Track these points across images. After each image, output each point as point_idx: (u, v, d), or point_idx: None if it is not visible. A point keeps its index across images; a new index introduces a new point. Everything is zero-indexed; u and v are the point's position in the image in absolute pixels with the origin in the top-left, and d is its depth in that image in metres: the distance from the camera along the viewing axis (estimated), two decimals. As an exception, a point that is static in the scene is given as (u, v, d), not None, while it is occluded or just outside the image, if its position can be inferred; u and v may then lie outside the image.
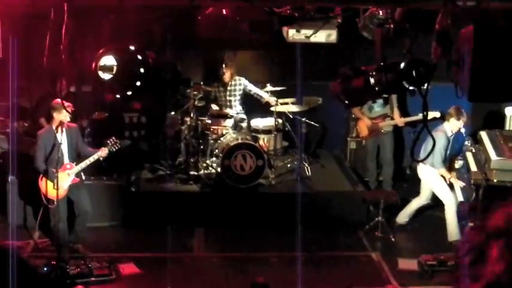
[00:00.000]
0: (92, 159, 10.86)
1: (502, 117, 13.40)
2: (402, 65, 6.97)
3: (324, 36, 9.56)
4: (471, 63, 6.53)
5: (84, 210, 11.07)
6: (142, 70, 7.19)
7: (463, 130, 12.06)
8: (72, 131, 10.82)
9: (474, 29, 6.54)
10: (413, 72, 6.87)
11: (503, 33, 6.66)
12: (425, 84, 6.94)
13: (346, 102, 7.57)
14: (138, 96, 7.29)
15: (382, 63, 7.14)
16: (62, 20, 6.83)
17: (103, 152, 10.86)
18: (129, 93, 7.22)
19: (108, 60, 7.24)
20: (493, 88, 6.70)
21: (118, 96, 7.30)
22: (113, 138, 11.00)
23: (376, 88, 7.18)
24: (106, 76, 7.23)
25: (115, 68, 7.18)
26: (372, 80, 7.18)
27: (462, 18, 7.02)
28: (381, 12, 8.59)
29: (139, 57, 7.23)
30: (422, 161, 10.67)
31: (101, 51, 7.32)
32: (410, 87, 7.01)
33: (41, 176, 10.70)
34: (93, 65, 7.27)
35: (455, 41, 6.92)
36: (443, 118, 11.88)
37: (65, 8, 6.65)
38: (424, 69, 6.88)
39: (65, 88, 8.34)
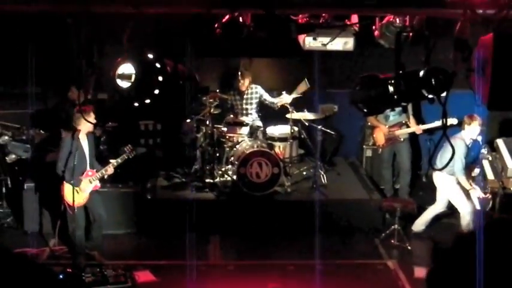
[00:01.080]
0: (112, 165, 10.94)
1: (519, 125, 13.36)
2: (421, 73, 6.92)
3: (341, 44, 9.55)
4: (491, 71, 6.49)
5: (99, 215, 11.10)
6: (160, 78, 7.18)
7: (479, 138, 12.00)
8: (90, 138, 10.91)
9: (494, 37, 6.50)
10: (433, 80, 6.82)
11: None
12: (445, 92, 6.88)
13: (365, 110, 7.52)
14: (156, 104, 7.26)
15: (400, 71, 7.09)
16: (80, 28, 6.86)
17: (110, 169, 10.92)
18: (148, 101, 7.21)
19: (127, 68, 7.24)
20: (512, 97, 6.65)
21: (136, 104, 7.29)
22: (129, 146, 11.02)
23: (395, 96, 7.14)
24: (124, 84, 7.23)
25: (133, 76, 7.18)
26: (391, 88, 7.13)
27: (482, 25, 7.00)
28: (397, 20, 8.58)
29: (158, 65, 7.23)
30: (442, 169, 10.60)
31: (119, 59, 7.32)
32: (430, 96, 6.95)
33: (64, 183, 10.70)
34: (112, 73, 7.27)
35: (474, 48, 6.89)
36: (460, 125, 11.82)
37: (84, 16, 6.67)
38: (443, 77, 6.83)
39: (83, 96, 8.38)
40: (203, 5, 6.89)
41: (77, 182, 10.61)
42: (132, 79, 7.16)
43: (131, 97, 7.27)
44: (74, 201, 10.61)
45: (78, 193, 10.60)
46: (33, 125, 13.03)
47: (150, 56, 7.38)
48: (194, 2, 6.94)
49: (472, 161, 12.37)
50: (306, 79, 13.46)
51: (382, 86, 7.20)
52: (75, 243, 10.89)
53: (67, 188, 10.69)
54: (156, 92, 7.14)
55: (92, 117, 10.31)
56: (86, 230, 11.07)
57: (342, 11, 7.71)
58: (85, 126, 10.51)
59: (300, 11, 7.77)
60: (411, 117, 13.35)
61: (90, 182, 10.79)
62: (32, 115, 13.25)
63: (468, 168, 11.96)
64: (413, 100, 10.63)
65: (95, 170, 10.84)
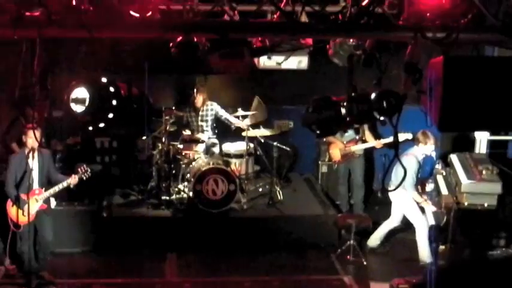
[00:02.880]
0: (61, 186, 10.78)
1: (472, 141, 13.51)
2: (373, 95, 7.02)
3: (295, 62, 9.61)
4: (441, 93, 6.59)
5: (45, 239, 10.97)
6: (114, 102, 7.19)
7: (433, 153, 12.12)
8: (44, 156, 10.77)
9: (444, 60, 6.61)
10: (384, 102, 6.92)
11: (472, 64, 6.74)
12: (396, 115, 6.99)
13: (318, 132, 7.60)
14: (110, 127, 7.28)
15: (352, 94, 7.19)
16: (34, 51, 6.84)
17: (73, 180, 10.80)
18: (102, 125, 7.22)
19: (80, 92, 7.24)
20: (463, 118, 6.76)
21: (90, 128, 7.29)
22: (84, 166, 10.94)
23: (348, 118, 7.23)
24: (78, 108, 7.23)
25: (87, 100, 7.18)
26: (343, 111, 7.23)
27: (432, 48, 7.12)
28: (351, 39, 8.67)
29: (112, 89, 7.24)
30: (393, 190, 10.72)
31: (73, 83, 7.32)
32: (381, 118, 7.06)
33: (9, 200, 10.63)
34: (66, 97, 7.27)
35: (425, 69, 7.00)
36: (414, 140, 11.94)
37: (37, 39, 6.66)
38: (394, 99, 6.94)
39: (35, 115, 8.33)
40: (158, 29, 6.92)
41: (21, 200, 10.51)
42: (86, 103, 7.17)
43: (85, 121, 7.28)
44: (14, 218, 10.58)
45: (23, 211, 10.50)
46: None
47: (104, 79, 7.39)
48: (148, 27, 6.97)
49: (426, 176, 12.53)
50: (257, 96, 13.55)
51: (335, 108, 7.30)
52: (24, 260, 10.80)
53: (11, 206, 10.63)
54: (110, 116, 7.15)
55: (34, 136, 10.22)
56: (35, 249, 10.98)
57: (293, 36, 7.77)
58: (31, 143, 10.42)
59: (253, 35, 7.83)
60: (367, 131, 13.43)
61: (36, 201, 10.68)
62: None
63: (422, 184, 12.09)
64: (365, 122, 10.77)
65: (43, 189, 10.75)
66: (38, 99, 7.15)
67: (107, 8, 6.91)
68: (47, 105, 8.28)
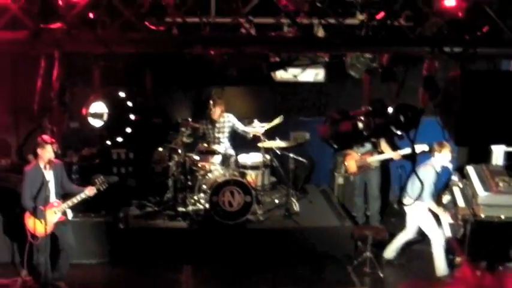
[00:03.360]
0: (79, 197, 10.81)
1: (488, 152, 13.45)
2: (390, 109, 7.02)
3: (312, 75, 9.66)
4: (458, 107, 6.58)
5: (68, 245, 11.00)
6: (132, 117, 7.22)
7: (449, 165, 12.08)
8: (57, 167, 10.78)
9: (461, 74, 6.61)
10: (401, 117, 6.93)
11: (489, 78, 6.73)
12: (413, 129, 6.99)
13: (335, 146, 7.62)
14: (128, 141, 7.31)
15: (370, 108, 7.20)
16: (53, 65, 6.90)
17: (91, 191, 10.84)
18: (120, 139, 7.25)
19: (99, 107, 7.27)
20: (480, 132, 6.75)
21: (108, 142, 7.33)
22: (101, 177, 10.97)
23: (364, 133, 7.24)
24: (97, 123, 7.26)
25: (105, 115, 7.21)
26: (360, 125, 7.23)
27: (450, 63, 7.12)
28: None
29: (130, 104, 7.27)
30: (411, 204, 10.69)
31: (92, 97, 7.35)
32: (398, 132, 7.06)
33: (27, 212, 10.66)
34: (84, 112, 7.30)
35: (442, 85, 6.99)
36: (431, 151, 11.89)
37: (56, 54, 6.71)
38: (411, 113, 6.94)
39: (51, 126, 8.38)
40: (175, 44, 6.95)
41: (39, 212, 10.52)
42: (104, 118, 7.20)
43: (103, 135, 7.31)
44: (33, 230, 10.56)
45: (41, 223, 10.52)
46: (4, 154, 12.99)
47: (122, 94, 7.42)
48: (166, 42, 7.00)
49: (442, 188, 12.48)
50: (281, 116, 13.58)
51: (352, 122, 7.31)
52: (40, 271, 10.82)
53: (29, 218, 10.66)
54: (128, 130, 7.18)
55: (50, 149, 10.29)
56: (52, 259, 11.00)
57: (310, 50, 7.79)
58: (47, 156, 10.48)
59: (270, 50, 7.85)
60: (384, 143, 13.37)
61: (55, 213, 10.72)
62: (4, 144, 13.24)
63: (439, 195, 12.05)
64: (382, 136, 10.75)
65: (60, 201, 10.78)
66: (56, 113, 7.19)
67: (124, 22, 6.95)
68: (65, 118, 8.32)
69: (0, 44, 6.92)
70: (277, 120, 13.64)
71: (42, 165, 10.56)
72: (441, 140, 11.50)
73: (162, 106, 7.92)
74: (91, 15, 7.09)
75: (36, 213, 10.52)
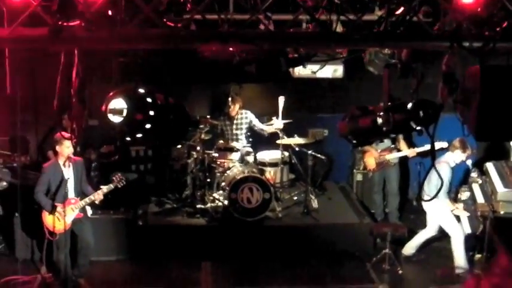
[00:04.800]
0: (92, 197, 10.88)
1: (508, 149, 13.38)
2: (409, 105, 7.01)
3: (330, 71, 9.65)
4: (478, 102, 6.56)
5: (87, 242, 11.05)
6: (152, 113, 7.24)
7: (469, 162, 12.05)
8: (77, 165, 10.83)
9: (481, 69, 6.59)
10: (421, 112, 6.91)
11: (509, 73, 6.71)
12: (433, 124, 6.97)
13: (354, 142, 7.61)
14: (147, 138, 7.34)
15: (389, 103, 7.18)
16: (72, 62, 6.93)
17: (98, 196, 10.88)
18: (139, 135, 7.28)
19: (118, 103, 7.30)
20: (500, 127, 6.72)
21: (128, 138, 7.36)
22: (119, 174, 11.01)
23: (384, 128, 7.22)
24: (116, 119, 7.28)
25: (125, 111, 7.24)
26: (380, 120, 7.22)
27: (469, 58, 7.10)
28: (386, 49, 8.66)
29: (149, 100, 7.29)
30: (429, 200, 10.66)
31: (111, 94, 7.38)
32: (418, 127, 7.05)
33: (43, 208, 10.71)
34: (103, 108, 7.33)
35: (461, 80, 6.97)
36: (450, 147, 11.85)
37: (76, 51, 6.74)
38: (431, 109, 6.92)
39: (70, 124, 8.41)
40: (194, 40, 6.96)
41: (56, 209, 10.57)
42: (124, 114, 7.22)
43: (123, 131, 7.34)
44: (50, 226, 10.60)
45: (59, 220, 10.57)
46: (23, 152, 13.04)
47: (141, 90, 7.44)
48: (184, 38, 7.01)
49: (459, 184, 12.45)
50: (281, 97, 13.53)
51: (371, 118, 7.30)
52: (60, 268, 10.87)
53: (46, 214, 10.70)
54: (148, 126, 7.20)
55: (69, 145, 10.34)
56: (72, 257, 11.05)
57: (329, 46, 7.77)
58: (66, 152, 10.52)
59: (289, 46, 7.85)
60: (402, 140, 13.36)
61: (73, 210, 10.76)
62: (23, 141, 13.30)
63: (457, 191, 12.01)
64: (401, 132, 10.72)
65: (78, 198, 10.82)
66: (76, 110, 7.22)
67: (143, 19, 6.97)
68: (84, 115, 8.35)
69: (20, 41, 6.96)
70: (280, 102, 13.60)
71: (61, 162, 10.60)
72: (458, 137, 11.49)
73: (181, 103, 7.96)
74: (110, 12, 7.12)
75: (54, 210, 10.56)
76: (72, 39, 6.69)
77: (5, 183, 12.37)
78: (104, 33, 6.75)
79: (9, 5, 6.90)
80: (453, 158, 11.62)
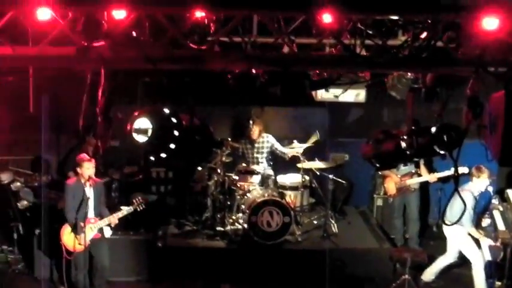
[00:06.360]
0: (115, 216, 10.92)
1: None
2: (433, 129, 7.01)
3: (353, 95, 9.67)
4: (502, 127, 6.56)
5: (103, 264, 11.08)
6: (176, 133, 7.28)
7: (490, 188, 12.00)
8: (98, 186, 10.90)
9: (505, 94, 6.59)
10: (445, 136, 6.91)
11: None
12: (456, 149, 6.97)
13: (377, 165, 7.62)
14: (171, 158, 7.38)
15: (413, 127, 7.19)
16: (98, 82, 6.98)
17: (114, 220, 10.94)
18: (163, 155, 7.31)
19: (143, 123, 7.34)
20: (524, 153, 6.72)
21: (152, 158, 7.39)
22: (139, 198, 11.07)
23: (407, 152, 7.23)
24: (141, 139, 7.32)
25: (150, 131, 7.28)
26: (404, 144, 7.23)
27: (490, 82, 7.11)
28: (409, 73, 8.68)
29: (174, 120, 7.34)
30: (451, 225, 10.63)
31: (136, 113, 7.42)
32: (441, 152, 7.05)
33: (63, 227, 10.74)
34: (128, 127, 7.37)
35: (485, 104, 6.98)
36: (469, 175, 11.82)
37: (102, 71, 6.79)
38: (455, 133, 6.93)
39: (96, 145, 8.47)
40: (221, 62, 7.01)
41: (78, 227, 10.59)
42: (149, 134, 7.26)
43: (147, 151, 7.38)
44: (69, 245, 10.64)
45: (77, 239, 10.58)
46: (45, 172, 13.11)
47: (166, 110, 7.48)
48: (211, 59, 7.06)
49: (481, 212, 12.39)
50: (317, 131, 13.55)
51: (395, 142, 7.30)
52: (79, 288, 10.93)
53: (65, 233, 10.73)
54: (172, 146, 7.24)
55: (89, 166, 10.41)
56: (91, 277, 11.09)
57: (352, 70, 7.81)
58: (87, 174, 10.57)
59: (313, 68, 7.88)
60: (422, 166, 13.34)
61: (91, 230, 10.79)
62: (45, 161, 13.37)
63: (479, 219, 11.96)
64: (425, 156, 10.69)
65: (98, 218, 10.86)
66: (101, 129, 7.27)
67: (168, 41, 7.03)
68: (109, 134, 8.41)
69: (47, 60, 7.03)
70: (313, 138, 13.64)
71: (83, 181, 10.65)
72: (481, 163, 11.45)
73: (205, 124, 7.99)
74: (134, 33, 7.19)
75: (75, 228, 10.58)
76: (99, 59, 6.74)
77: (25, 202, 12.45)
78: (130, 53, 6.80)
79: (35, 25, 6.96)
80: (475, 186, 11.56)
